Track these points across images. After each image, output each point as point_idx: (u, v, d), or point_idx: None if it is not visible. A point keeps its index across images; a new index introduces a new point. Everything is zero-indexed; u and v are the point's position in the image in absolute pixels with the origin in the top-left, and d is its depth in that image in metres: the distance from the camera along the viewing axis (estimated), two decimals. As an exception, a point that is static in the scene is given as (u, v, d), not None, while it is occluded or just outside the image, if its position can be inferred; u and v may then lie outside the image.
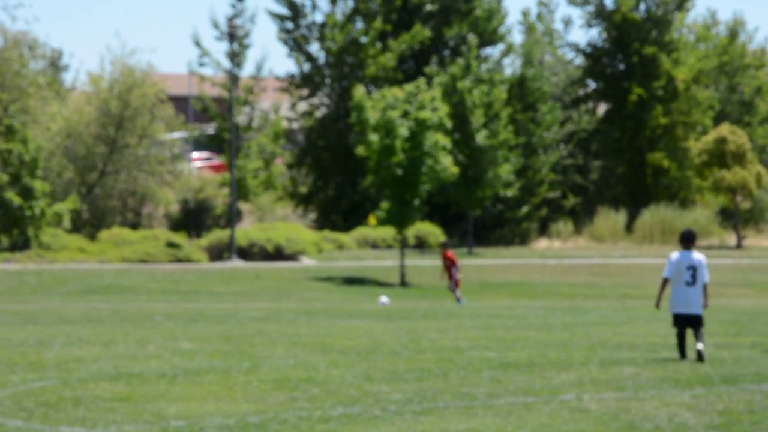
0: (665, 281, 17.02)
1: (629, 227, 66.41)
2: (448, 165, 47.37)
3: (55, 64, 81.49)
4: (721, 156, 63.41)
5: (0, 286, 33.32)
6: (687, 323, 16.99)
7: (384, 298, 35.90)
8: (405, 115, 46.80)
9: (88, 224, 57.75)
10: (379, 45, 65.66)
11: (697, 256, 17.02)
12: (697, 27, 76.95)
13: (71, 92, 67.41)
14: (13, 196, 51.09)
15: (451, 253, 37.01)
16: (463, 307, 34.15)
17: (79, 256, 50.73)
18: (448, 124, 48.61)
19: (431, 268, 48.41)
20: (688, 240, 17.02)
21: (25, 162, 52.08)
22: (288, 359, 17.41)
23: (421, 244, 58.62)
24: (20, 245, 51.42)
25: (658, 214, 65.53)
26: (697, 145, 66.05)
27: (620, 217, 66.71)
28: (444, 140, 47.32)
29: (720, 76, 75.98)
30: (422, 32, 65.42)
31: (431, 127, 46.78)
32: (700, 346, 16.78)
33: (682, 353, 17.08)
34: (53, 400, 12.94)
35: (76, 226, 55.94)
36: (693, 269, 16.89)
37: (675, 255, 17.03)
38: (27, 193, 51.48)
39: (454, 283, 36.71)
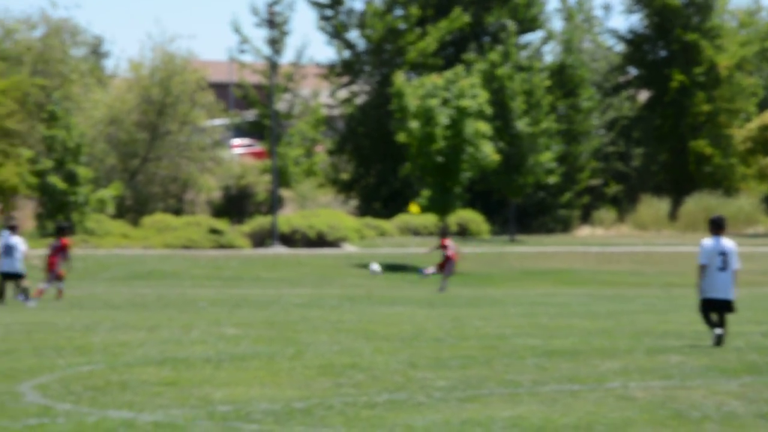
0: (703, 267, 17.21)
1: (673, 215, 65.99)
2: (489, 152, 47.24)
3: (97, 51, 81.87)
4: (765, 143, 62.85)
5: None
6: (714, 308, 17.11)
7: (375, 266, 35.73)
8: (445, 102, 46.70)
9: (132, 210, 58.09)
10: (418, 30, 65.55)
11: (728, 242, 17.27)
12: (739, 13, 76.24)
13: (113, 79, 67.78)
14: (57, 182, 51.47)
15: (447, 240, 36.73)
16: (503, 295, 34.04)
17: (122, 241, 51.01)
18: (488, 111, 48.46)
19: (474, 255, 48.30)
20: (718, 226, 17.31)
21: (68, 148, 52.42)
22: (332, 345, 17.44)
23: (464, 232, 58.52)
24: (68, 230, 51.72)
25: (701, 202, 65.08)
26: (740, 133, 65.50)
27: (663, 205, 66.31)
28: (484, 128, 47.18)
29: (763, 63, 75.26)
30: (461, 18, 65.27)
31: (471, 115, 46.66)
32: (720, 331, 17.04)
33: (712, 325, 17.24)
34: (100, 384, 13.03)
35: (120, 212, 56.27)
36: (724, 255, 17.15)
37: (707, 241, 17.29)
38: (71, 179, 51.84)
39: (439, 268, 36.24)
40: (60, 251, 28.68)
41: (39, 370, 14.26)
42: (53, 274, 28.58)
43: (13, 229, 27.38)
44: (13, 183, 56.50)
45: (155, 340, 18.03)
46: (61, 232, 29.50)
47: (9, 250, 26.93)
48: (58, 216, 51.23)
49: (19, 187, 55.91)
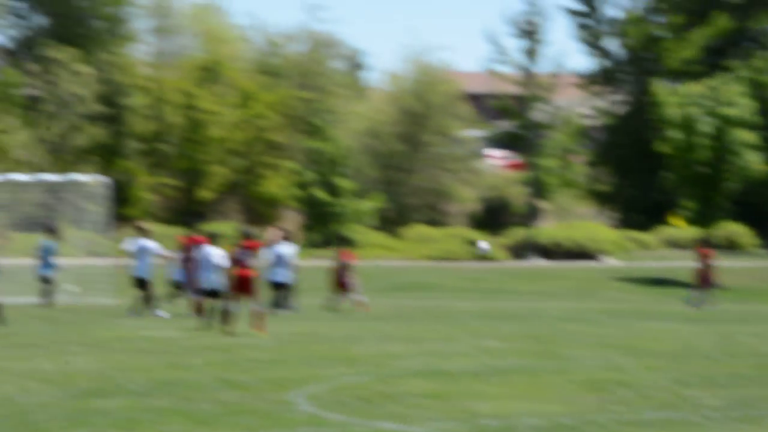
0: None
1: None
2: (755, 162, 45.64)
3: (355, 64, 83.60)
4: None
5: (315, 282, 34.46)
6: None
7: (483, 243, 35.06)
8: (708, 111, 45.41)
9: (391, 222, 58.96)
10: (678, 37, 64.05)
11: None
12: None
13: (371, 91, 69.09)
14: (320, 194, 52.77)
15: (705, 250, 34.48)
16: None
17: (383, 253, 51.77)
18: (754, 120, 46.82)
19: (741, 269, 46.68)
20: None
21: (331, 160, 53.65)
22: (596, 360, 17.15)
23: (731, 245, 56.55)
24: (329, 242, 52.99)
25: None
26: None
27: None
28: (750, 137, 45.62)
29: None
30: (724, 24, 63.39)
31: (736, 124, 45.21)
32: None
33: None
34: (368, 395, 13.19)
35: (381, 224, 57.17)
36: None
37: None
38: (334, 191, 53.04)
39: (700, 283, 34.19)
40: (344, 263, 30.16)
41: (308, 379, 14.57)
42: (345, 288, 30.01)
43: (287, 239, 28.27)
44: (277, 195, 58.44)
45: (419, 352, 18.15)
46: (342, 244, 32.61)
47: (280, 260, 27.66)
48: (317, 227, 52.49)
49: (283, 198, 57.75)
